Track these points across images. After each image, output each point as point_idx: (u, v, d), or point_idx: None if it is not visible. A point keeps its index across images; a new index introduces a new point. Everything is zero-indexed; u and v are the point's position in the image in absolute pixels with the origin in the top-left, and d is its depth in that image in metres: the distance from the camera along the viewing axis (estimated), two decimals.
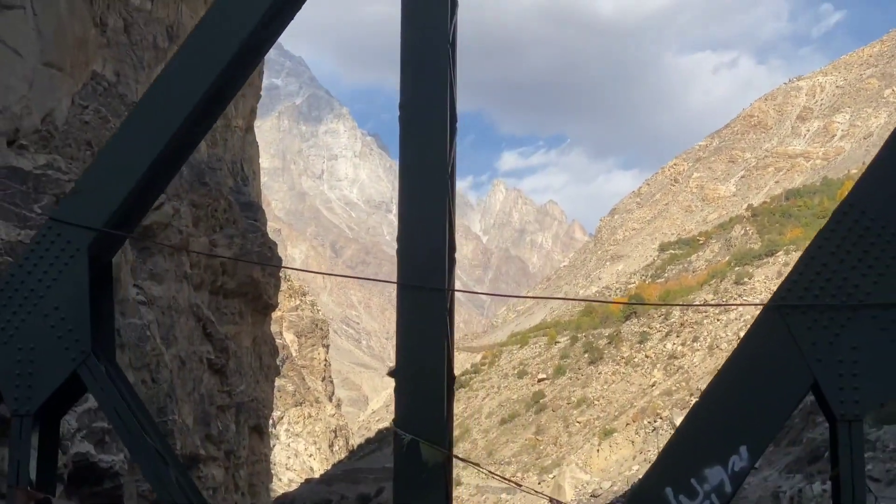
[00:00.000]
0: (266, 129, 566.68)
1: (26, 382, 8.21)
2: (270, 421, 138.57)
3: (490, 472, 10.66)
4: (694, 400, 69.33)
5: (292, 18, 9.33)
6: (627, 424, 76.37)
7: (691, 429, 7.71)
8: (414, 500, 7.69)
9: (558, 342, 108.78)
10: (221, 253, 43.53)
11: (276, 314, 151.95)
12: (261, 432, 53.38)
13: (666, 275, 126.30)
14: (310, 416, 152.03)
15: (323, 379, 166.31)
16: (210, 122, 9.66)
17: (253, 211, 49.95)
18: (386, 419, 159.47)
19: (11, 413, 8.17)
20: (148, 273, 37.28)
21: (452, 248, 8.41)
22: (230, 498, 45.53)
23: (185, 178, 39.83)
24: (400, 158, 8.28)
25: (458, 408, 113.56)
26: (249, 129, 60.60)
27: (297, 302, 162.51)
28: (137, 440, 8.43)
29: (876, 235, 7.52)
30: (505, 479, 8.95)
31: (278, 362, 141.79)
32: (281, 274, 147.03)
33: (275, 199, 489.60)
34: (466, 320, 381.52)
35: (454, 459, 8.11)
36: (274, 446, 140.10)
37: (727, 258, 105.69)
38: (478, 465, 8.88)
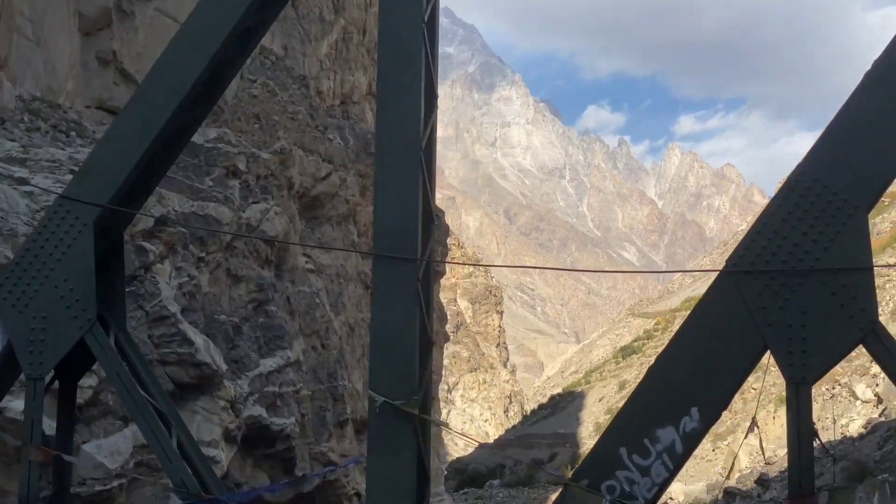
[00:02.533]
0: (440, 98, 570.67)
1: (39, 348, 8.93)
2: (444, 387, 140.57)
3: (457, 432, 10.89)
4: (876, 367, 66.91)
5: (286, 2, 9.79)
6: None
7: (645, 390, 7.80)
8: (386, 461, 7.97)
9: None
10: None
11: (450, 281, 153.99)
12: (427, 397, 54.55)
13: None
14: (484, 381, 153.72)
15: (497, 345, 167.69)
16: (209, 105, 10.11)
17: None
18: (560, 385, 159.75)
19: (26, 376, 8.93)
20: (316, 241, 38.47)
21: (430, 220, 8.74)
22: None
23: (351, 147, 40.85)
24: (375, 134, 8.68)
25: (630, 374, 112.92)
26: None
27: (471, 269, 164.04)
28: (138, 404, 9.00)
29: (827, 202, 7.50)
30: (467, 436, 9.07)
31: (452, 329, 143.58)
32: (455, 242, 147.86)
33: (448, 167, 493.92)
34: (642, 286, 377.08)
35: (430, 421, 8.34)
36: (449, 412, 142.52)
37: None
38: (446, 424, 9.03)
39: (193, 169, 29.20)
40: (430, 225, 8.83)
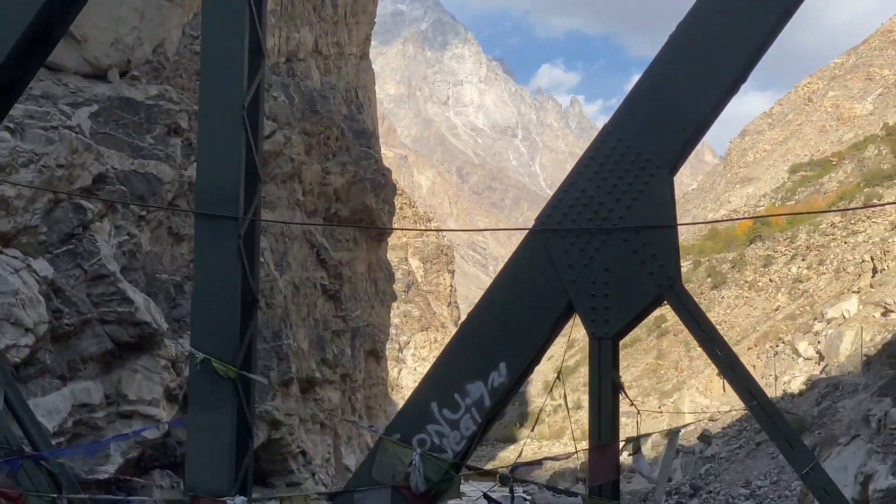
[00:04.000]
0: (391, 56, 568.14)
1: None
2: (396, 346, 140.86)
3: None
4: (818, 324, 68.00)
5: None
6: (749, 349, 75.35)
7: (456, 346, 8.01)
8: (206, 417, 8.08)
9: (682, 266, 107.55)
10: (334, 181, 44.32)
11: (401, 240, 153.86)
12: (378, 356, 54.71)
13: (796, 197, 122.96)
14: (436, 340, 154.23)
15: (449, 304, 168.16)
16: (38, 60, 9.78)
17: (367, 138, 50.53)
18: None
19: None
20: (261, 200, 38.27)
21: (255, 179, 8.73)
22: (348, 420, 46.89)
23: (296, 106, 40.53)
24: (199, 94, 8.61)
25: (579, 332, 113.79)
26: (364, 56, 61.02)
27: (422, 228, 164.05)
28: None
29: (630, 162, 7.66)
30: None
31: (403, 288, 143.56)
32: (406, 201, 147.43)
33: (400, 125, 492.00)
34: None
35: (251, 379, 8.38)
36: (401, 371, 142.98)
37: (857, 180, 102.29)
38: (265, 380, 9.04)
39: (134, 126, 28.85)
40: (256, 184, 8.78)
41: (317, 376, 40.65)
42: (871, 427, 22.48)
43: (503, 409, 7.98)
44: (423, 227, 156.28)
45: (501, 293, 7.94)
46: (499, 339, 7.70)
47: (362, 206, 46.39)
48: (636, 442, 7.51)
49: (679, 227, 7.68)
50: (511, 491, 7.84)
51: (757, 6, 7.69)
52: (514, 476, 7.65)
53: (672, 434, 7.48)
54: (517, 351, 7.65)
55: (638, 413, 8.44)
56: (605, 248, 7.57)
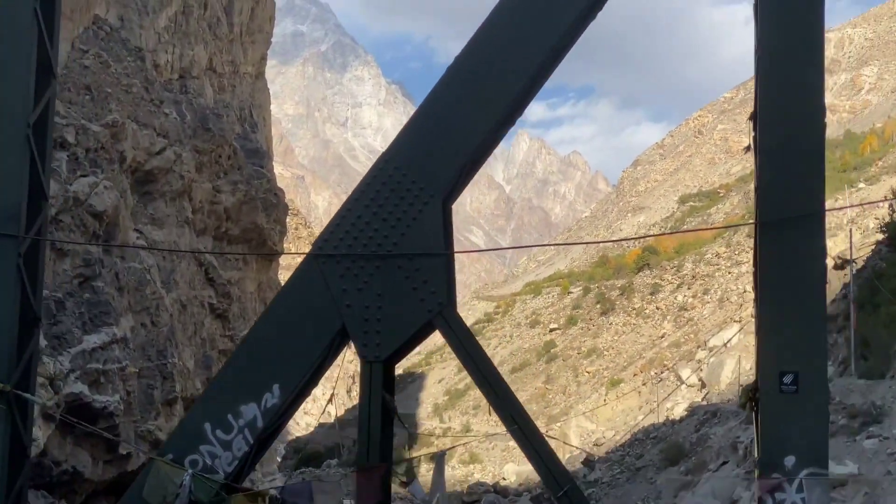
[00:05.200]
0: (291, 76, 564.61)
1: None
2: None
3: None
4: (702, 352, 69.62)
5: None
6: (635, 375, 76.80)
7: (231, 367, 8.24)
8: None
9: (571, 293, 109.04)
10: (225, 199, 43.98)
11: (294, 260, 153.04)
12: None
13: (685, 227, 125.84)
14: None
15: None
16: None
17: (260, 157, 50.27)
18: (404, 366, 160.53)
19: None
20: (149, 218, 37.74)
21: (41, 198, 8.70)
22: None
23: (188, 123, 40.17)
24: None
25: None
26: (260, 75, 60.73)
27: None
28: None
29: (406, 190, 8.00)
30: None
31: None
32: (301, 221, 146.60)
33: (298, 146, 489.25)
34: (488, 269, 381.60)
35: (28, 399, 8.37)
36: None
37: (743, 211, 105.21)
38: (44, 402, 9.01)
39: None
40: (41, 202, 8.70)
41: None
42: (738, 454, 23.23)
43: (279, 430, 8.07)
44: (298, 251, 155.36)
45: (277, 316, 8.05)
46: (273, 362, 7.79)
47: (253, 225, 46.10)
48: (409, 470, 7.70)
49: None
50: None
51: (528, 43, 7.90)
52: (282, 497, 7.73)
53: (438, 456, 7.73)
54: (291, 373, 7.75)
55: (409, 435, 8.62)
56: (379, 273, 7.77)
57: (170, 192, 38.11)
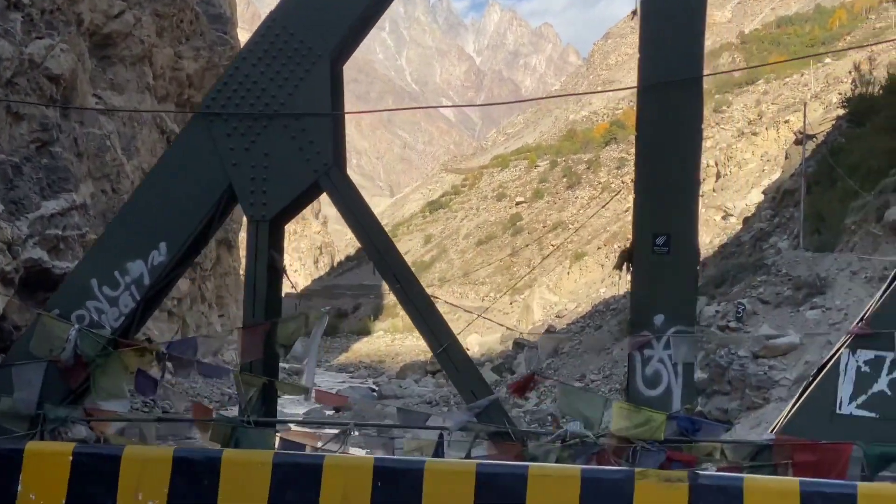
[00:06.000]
0: None
1: None
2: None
3: None
4: None
5: None
6: (599, 248, 77.53)
7: (118, 224, 8.29)
8: None
9: (538, 166, 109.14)
10: (187, 66, 43.35)
11: None
12: (229, 245, 54.20)
13: None
14: (294, 232, 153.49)
15: None
16: None
17: (223, 23, 49.36)
18: None
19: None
20: (108, 83, 37.20)
21: None
22: (197, 308, 46.67)
23: None
24: None
25: (436, 228, 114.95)
26: None
27: None
28: None
29: (293, 50, 7.93)
30: None
31: None
32: None
33: (265, 11, 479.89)
34: (457, 142, 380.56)
35: None
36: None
37: (708, 86, 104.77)
38: None
39: None
40: None
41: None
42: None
43: (168, 289, 8.18)
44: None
45: (165, 174, 8.06)
46: (160, 220, 7.80)
47: None
48: (289, 325, 7.77)
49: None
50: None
51: None
52: (169, 352, 7.81)
53: (321, 317, 7.80)
54: (177, 232, 7.78)
55: (300, 295, 8.69)
56: (265, 133, 7.77)
57: (129, 56, 37.48)
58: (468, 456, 6.57)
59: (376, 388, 45.34)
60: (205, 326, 47.03)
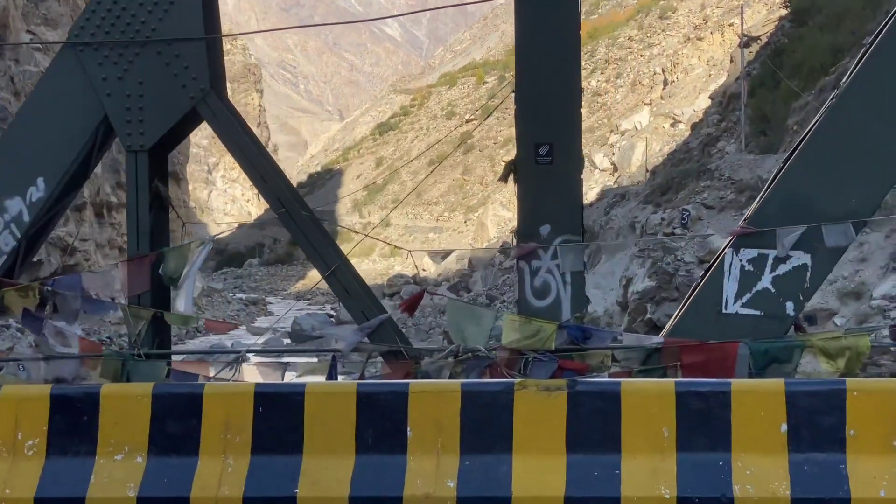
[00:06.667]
0: None
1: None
2: (205, 167, 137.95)
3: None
4: (614, 137, 70.43)
5: None
6: None
7: None
8: None
9: (486, 82, 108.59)
10: None
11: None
12: (178, 178, 53.89)
13: (599, 11, 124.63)
14: None
15: (259, 125, 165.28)
16: None
17: None
18: (322, 163, 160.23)
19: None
20: (42, 18, 36.47)
21: None
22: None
23: None
24: None
25: (387, 150, 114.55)
26: None
27: (228, 47, 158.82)
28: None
29: None
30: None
31: None
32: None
33: None
34: (405, 62, 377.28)
35: None
36: (210, 192, 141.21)
37: None
38: None
39: None
40: None
41: (112, 200, 39.92)
42: (636, 233, 23.87)
43: (51, 225, 8.11)
44: (224, 44, 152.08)
45: (37, 108, 7.94)
46: (35, 155, 7.66)
47: None
48: (173, 254, 7.73)
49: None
50: None
51: None
52: (55, 289, 7.78)
53: (204, 245, 7.75)
54: (54, 166, 7.66)
55: (183, 225, 8.64)
56: (138, 60, 7.57)
57: None
58: (361, 376, 6.62)
59: (334, 314, 45.45)
60: None
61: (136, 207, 7.60)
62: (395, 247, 11.63)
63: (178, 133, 8.01)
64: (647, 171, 50.47)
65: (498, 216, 73.98)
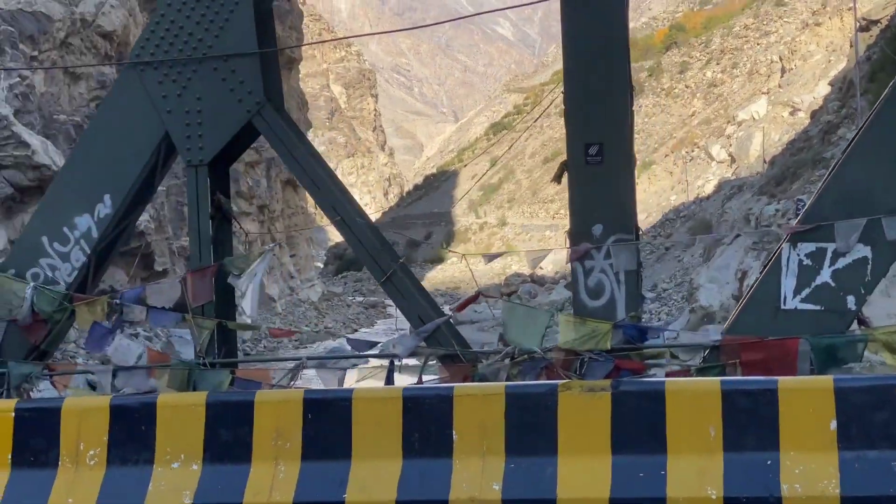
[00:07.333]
0: None
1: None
2: None
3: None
4: (731, 128, 69.19)
5: None
6: (666, 156, 76.74)
7: (62, 180, 8.28)
8: None
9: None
10: None
11: (321, 67, 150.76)
12: (295, 185, 54.68)
13: (714, 1, 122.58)
14: (363, 166, 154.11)
15: (374, 129, 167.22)
16: None
17: None
18: (437, 165, 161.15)
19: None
20: None
21: None
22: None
23: None
24: None
25: (501, 149, 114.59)
26: None
27: (343, 53, 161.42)
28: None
29: None
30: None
31: (326, 115, 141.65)
32: (324, 27, 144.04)
33: None
34: (517, 61, 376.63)
35: None
36: None
37: None
38: None
39: None
40: None
41: (232, 209, 40.84)
42: (751, 225, 23.41)
43: (120, 240, 8.27)
44: (339, 51, 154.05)
45: (102, 127, 8.13)
46: (102, 172, 7.85)
47: None
48: (237, 263, 7.80)
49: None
50: None
51: None
52: (121, 302, 7.91)
53: (266, 252, 7.82)
54: (120, 182, 7.83)
55: (245, 236, 8.55)
56: (196, 77, 7.73)
57: None
58: (419, 381, 6.66)
59: (452, 315, 45.67)
60: (277, 267, 47.72)
61: (197, 219, 7.81)
62: (454, 253, 11.53)
63: (237, 146, 8.19)
64: (764, 161, 49.44)
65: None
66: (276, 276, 47.03)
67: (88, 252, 7.85)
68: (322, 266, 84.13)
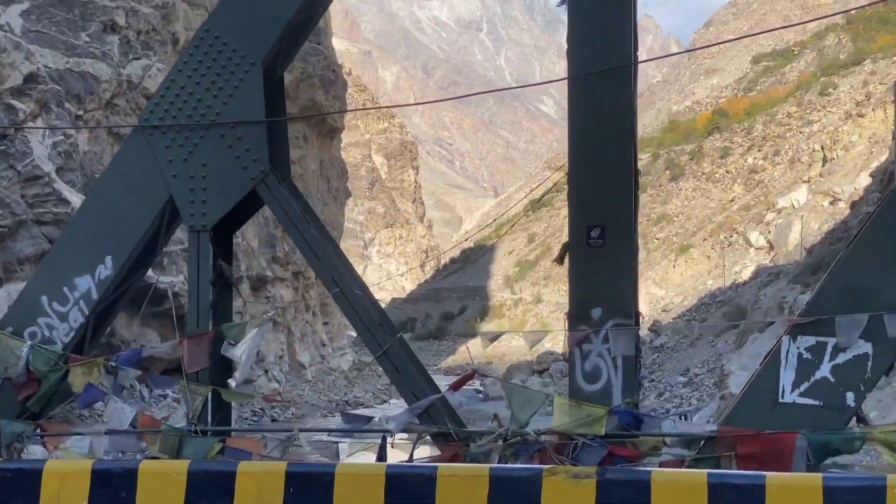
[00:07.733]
0: None
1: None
2: (361, 243, 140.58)
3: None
4: (771, 215, 68.84)
5: None
6: (704, 240, 76.39)
7: (65, 241, 8.38)
8: None
9: (640, 159, 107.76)
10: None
11: (364, 137, 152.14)
12: None
13: (758, 87, 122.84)
14: (401, 237, 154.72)
15: (413, 200, 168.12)
16: None
17: (316, 34, 50.04)
18: (475, 239, 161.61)
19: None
20: None
21: None
22: (300, 317, 47.33)
23: None
24: None
25: (539, 227, 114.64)
26: None
27: (386, 125, 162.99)
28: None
29: (227, 59, 7.91)
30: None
31: (367, 185, 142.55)
32: (368, 98, 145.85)
33: (364, 21, 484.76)
34: (559, 139, 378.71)
35: None
36: (366, 268, 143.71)
37: (813, 69, 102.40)
38: None
39: (68, 24, 28.55)
40: None
41: (268, 274, 40.99)
42: (784, 313, 23.19)
43: (119, 303, 8.23)
44: (382, 122, 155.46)
45: (108, 188, 8.18)
46: (104, 234, 7.92)
47: (312, 102, 46.13)
48: (232, 331, 7.75)
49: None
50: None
51: None
52: (117, 364, 7.85)
53: (264, 322, 7.78)
54: (122, 245, 7.86)
55: (243, 302, 8.56)
56: (203, 143, 7.82)
57: None
58: (410, 458, 6.57)
59: (482, 390, 45.40)
60: (310, 334, 47.71)
61: (196, 285, 7.80)
62: (459, 337, 11.36)
63: (241, 213, 8.23)
64: (803, 249, 49.07)
65: (650, 294, 72.91)
66: (307, 343, 46.98)
67: (87, 313, 7.86)
68: (355, 335, 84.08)
